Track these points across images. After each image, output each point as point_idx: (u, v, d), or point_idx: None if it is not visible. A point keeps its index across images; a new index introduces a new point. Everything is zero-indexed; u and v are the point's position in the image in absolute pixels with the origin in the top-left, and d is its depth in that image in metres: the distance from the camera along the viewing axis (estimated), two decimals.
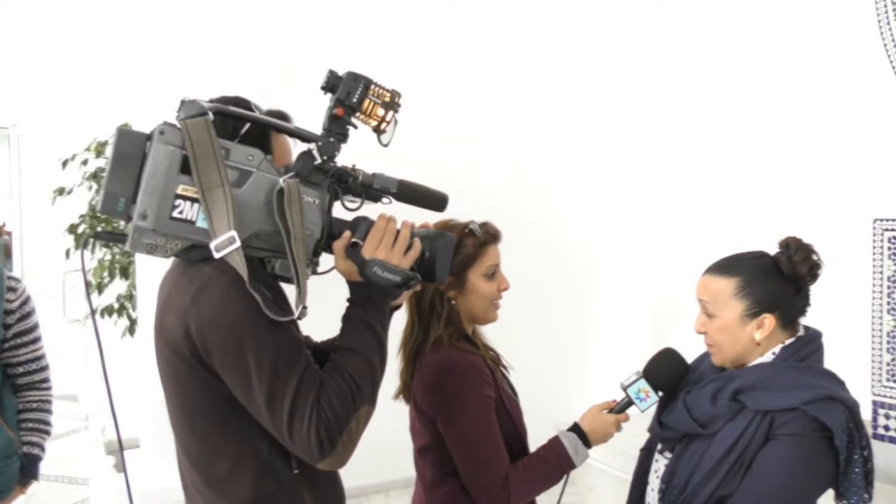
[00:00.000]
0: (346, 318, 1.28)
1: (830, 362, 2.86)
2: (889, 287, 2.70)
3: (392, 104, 1.33)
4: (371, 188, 1.32)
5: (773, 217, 3.08)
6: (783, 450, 1.33)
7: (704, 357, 1.63)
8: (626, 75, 3.85)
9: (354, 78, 1.30)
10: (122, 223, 1.22)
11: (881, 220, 2.73)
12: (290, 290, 1.30)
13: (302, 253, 1.20)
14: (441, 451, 1.53)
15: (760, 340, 1.44)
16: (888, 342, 2.71)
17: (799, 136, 2.99)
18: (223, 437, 1.24)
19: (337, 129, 1.30)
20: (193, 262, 1.23)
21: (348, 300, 1.31)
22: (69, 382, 4.99)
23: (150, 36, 3.43)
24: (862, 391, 2.79)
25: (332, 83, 1.30)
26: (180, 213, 1.18)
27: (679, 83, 3.55)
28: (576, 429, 1.57)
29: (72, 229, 4.19)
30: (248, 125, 1.29)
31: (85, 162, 4.21)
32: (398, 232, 1.29)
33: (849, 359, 2.83)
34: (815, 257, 1.46)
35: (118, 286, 3.99)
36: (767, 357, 1.46)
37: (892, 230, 2.69)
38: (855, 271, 2.80)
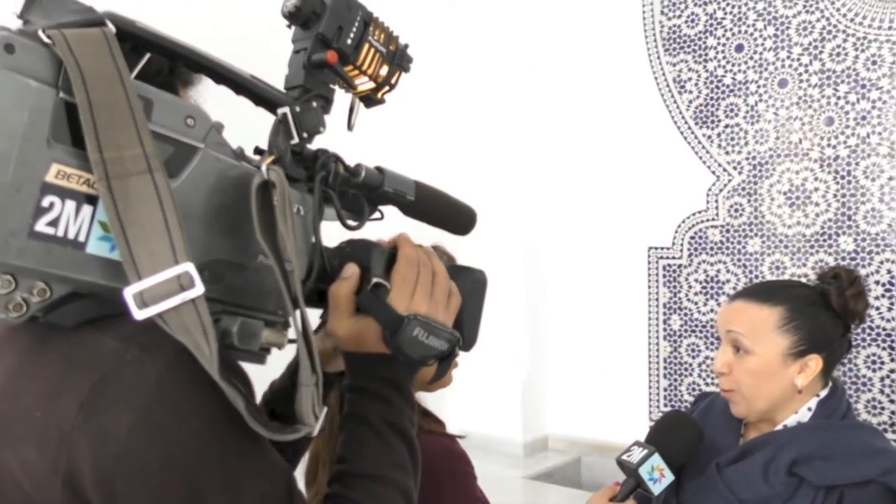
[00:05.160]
0: (359, 419, 0.73)
1: (610, 390, 2.86)
2: (664, 314, 2.79)
3: (401, 58, 0.82)
4: (377, 192, 0.80)
5: (554, 245, 3.02)
6: None
7: (704, 414, 1.36)
8: None
9: (348, 6, 0.77)
10: None
11: (655, 248, 2.82)
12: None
13: (302, 301, 0.64)
14: None
15: (803, 387, 1.21)
16: (665, 368, 2.79)
17: (577, 167, 2.98)
18: None
19: (319, 88, 0.76)
20: (70, 330, 0.59)
21: (351, 387, 0.76)
22: None
23: None
24: (640, 417, 2.84)
25: (310, 8, 0.75)
26: (52, 223, 0.55)
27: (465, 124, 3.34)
28: None
29: None
30: (145, 60, 0.68)
31: None
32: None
33: (627, 385, 2.88)
34: (867, 294, 1.27)
35: None
36: (803, 414, 1.24)
37: (666, 259, 2.79)
38: (632, 298, 2.85)
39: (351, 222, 0.78)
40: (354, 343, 0.75)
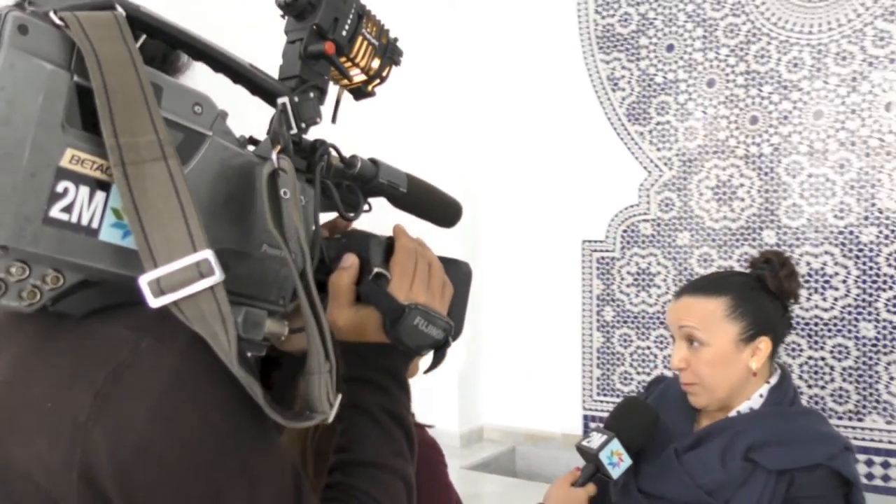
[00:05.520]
0: (359, 409, 0.74)
1: (544, 380, 2.92)
2: (598, 305, 2.87)
3: (392, 52, 0.82)
4: (371, 184, 0.80)
5: (491, 238, 3.05)
6: None
7: (660, 399, 1.41)
8: None
9: None
10: None
11: (589, 241, 2.89)
12: None
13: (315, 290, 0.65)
14: None
15: (757, 369, 1.27)
16: (598, 358, 2.87)
17: (514, 162, 3.02)
18: None
19: (315, 79, 0.75)
20: (78, 319, 0.58)
21: (349, 377, 0.76)
22: None
23: None
24: (574, 406, 2.91)
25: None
26: (66, 209, 0.54)
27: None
28: None
29: None
30: (139, 43, 0.66)
31: None
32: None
33: (561, 375, 2.94)
34: (798, 274, 1.34)
35: None
36: (755, 401, 1.30)
37: (600, 251, 2.87)
38: (566, 290, 2.91)
39: (346, 214, 0.78)
40: (354, 333, 0.75)
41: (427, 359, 0.82)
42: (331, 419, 0.63)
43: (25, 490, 0.56)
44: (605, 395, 2.85)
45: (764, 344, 1.28)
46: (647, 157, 2.77)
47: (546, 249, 2.94)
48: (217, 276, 0.55)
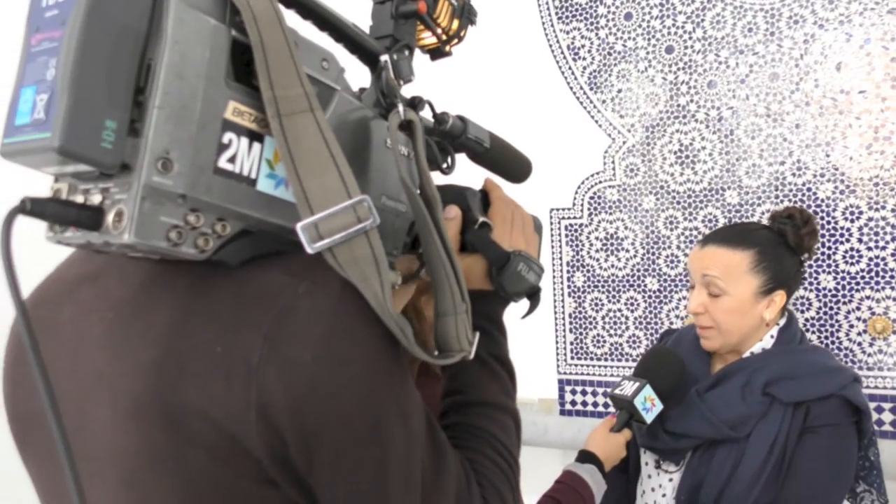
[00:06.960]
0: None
1: (519, 347, 2.97)
2: (568, 271, 2.93)
3: (469, 12, 0.83)
4: (458, 140, 0.82)
5: None
6: (826, 442, 1.25)
7: (675, 348, 1.47)
8: None
9: None
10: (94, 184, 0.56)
11: (557, 209, 2.94)
12: None
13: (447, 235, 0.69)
14: None
15: (770, 320, 1.34)
16: (570, 323, 2.94)
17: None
18: None
19: (406, 38, 0.76)
20: (232, 268, 0.61)
21: None
22: None
23: None
24: (549, 371, 2.98)
25: None
26: (231, 159, 0.57)
27: None
28: (592, 459, 1.25)
29: None
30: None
31: None
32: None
33: (535, 341, 3.00)
34: (818, 231, 1.42)
35: None
36: (766, 341, 1.38)
37: (568, 219, 2.92)
38: None
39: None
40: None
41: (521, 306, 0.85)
42: (472, 356, 0.67)
43: (202, 429, 0.57)
44: (579, 358, 2.93)
45: (779, 297, 1.36)
46: (611, 125, 2.83)
47: None
48: (374, 220, 0.58)
